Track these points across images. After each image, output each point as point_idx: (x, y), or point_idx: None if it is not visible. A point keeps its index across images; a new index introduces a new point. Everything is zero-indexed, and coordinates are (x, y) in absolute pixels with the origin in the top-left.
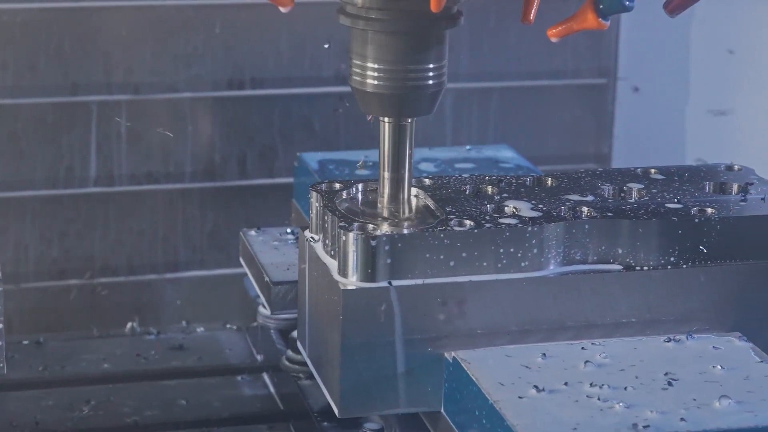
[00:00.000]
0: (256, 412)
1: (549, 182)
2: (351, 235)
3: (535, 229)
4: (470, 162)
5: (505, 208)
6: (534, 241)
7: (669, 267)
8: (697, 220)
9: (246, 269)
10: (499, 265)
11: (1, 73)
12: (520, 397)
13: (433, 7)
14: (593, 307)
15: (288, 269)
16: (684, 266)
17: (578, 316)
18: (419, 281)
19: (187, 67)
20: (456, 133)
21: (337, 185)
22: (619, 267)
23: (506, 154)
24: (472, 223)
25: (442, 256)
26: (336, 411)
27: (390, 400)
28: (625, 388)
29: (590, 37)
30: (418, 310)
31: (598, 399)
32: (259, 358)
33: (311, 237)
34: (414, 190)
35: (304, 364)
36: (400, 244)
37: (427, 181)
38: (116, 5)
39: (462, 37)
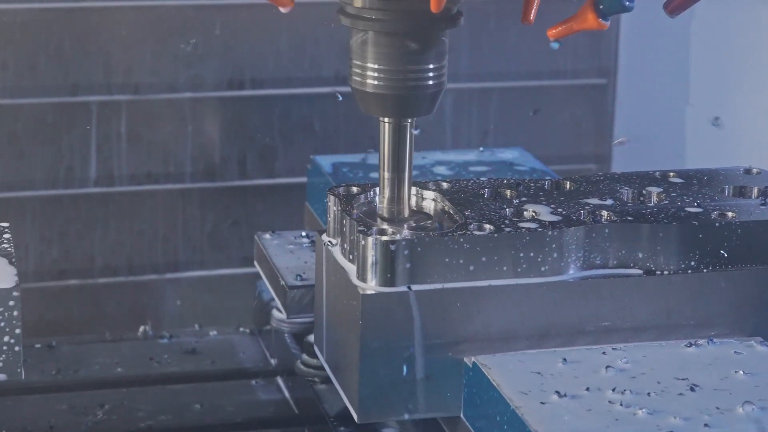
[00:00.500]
0: (271, 417)
1: (568, 186)
2: (370, 239)
3: (555, 233)
4: (484, 165)
5: (525, 212)
6: (554, 246)
7: (689, 271)
8: (717, 224)
9: (260, 273)
10: (519, 270)
11: (1, 73)
12: (542, 403)
13: (433, 7)
14: (613, 311)
15: (303, 273)
16: (704, 270)
17: (598, 321)
18: (438, 286)
19: (187, 67)
20: (456, 134)
21: (355, 189)
22: (640, 271)
23: (520, 156)
24: (491, 228)
25: (461, 261)
26: (355, 416)
27: (409, 405)
28: (648, 394)
29: (590, 37)
30: (437, 315)
31: (621, 405)
32: (273, 362)
33: (329, 241)
34: (432, 194)
35: (320, 368)
36: (419, 249)
37: (444, 185)
38: (116, 5)
39: (462, 37)
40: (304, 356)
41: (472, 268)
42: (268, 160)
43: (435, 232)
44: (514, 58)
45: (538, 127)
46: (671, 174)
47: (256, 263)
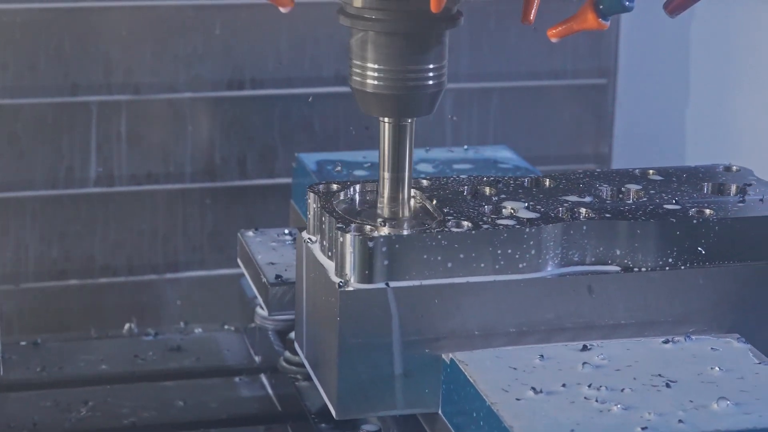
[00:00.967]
0: (254, 414)
1: (547, 183)
2: (348, 236)
3: (533, 230)
4: (468, 163)
5: (503, 209)
6: (532, 243)
7: (667, 268)
8: (695, 221)
9: (243, 270)
10: (497, 267)
11: (1, 73)
12: (517, 399)
13: (433, 7)
14: (591, 308)
15: (286, 270)
16: (682, 267)
17: (576, 318)
18: (417, 282)
19: (187, 67)
20: (456, 134)
21: (335, 186)
22: (617, 268)
23: (505, 154)
24: (469, 225)
25: (439, 258)
26: (333, 412)
27: (387, 401)
28: (623, 390)
29: (590, 37)
30: (415, 312)
31: (596, 401)
32: (256, 359)
33: (309, 238)
34: (411, 191)
35: (302, 365)
36: (397, 246)
37: (424, 182)
38: (116, 5)
39: (462, 38)
40: (287, 353)
41: (450, 264)
42: (268, 160)
43: (413, 229)
44: (514, 58)
45: (538, 127)
46: (650, 171)
47: (239, 260)
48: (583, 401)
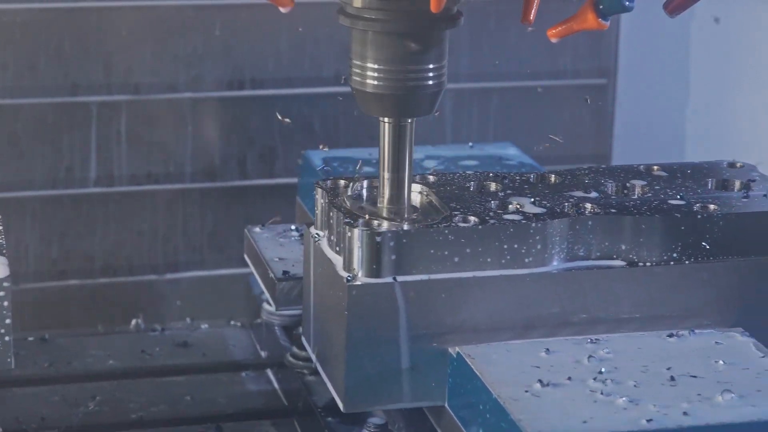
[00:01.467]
0: (261, 408)
1: (552, 179)
2: (356, 231)
3: (539, 225)
4: (474, 159)
5: (509, 204)
6: (538, 238)
7: (672, 263)
8: (699, 217)
9: (251, 266)
10: (503, 261)
11: (1, 73)
12: (524, 392)
13: (433, 7)
14: (596, 302)
15: (293, 266)
16: (686, 262)
17: (582, 312)
18: (424, 277)
19: (187, 67)
20: (456, 134)
21: (342, 182)
22: (622, 263)
23: (509, 151)
24: (476, 220)
25: (446, 252)
26: (341, 406)
27: (394, 394)
28: (629, 383)
29: (590, 37)
30: (422, 306)
31: (602, 393)
32: (263, 354)
33: (316, 233)
34: (418, 187)
35: (309, 360)
36: (404, 240)
37: (431, 178)
38: (116, 5)
39: (462, 38)
40: (294, 348)
41: (457, 259)
42: (268, 160)
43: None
44: (514, 58)
45: (538, 127)
46: (655, 167)
47: (246, 257)
48: (589, 394)
